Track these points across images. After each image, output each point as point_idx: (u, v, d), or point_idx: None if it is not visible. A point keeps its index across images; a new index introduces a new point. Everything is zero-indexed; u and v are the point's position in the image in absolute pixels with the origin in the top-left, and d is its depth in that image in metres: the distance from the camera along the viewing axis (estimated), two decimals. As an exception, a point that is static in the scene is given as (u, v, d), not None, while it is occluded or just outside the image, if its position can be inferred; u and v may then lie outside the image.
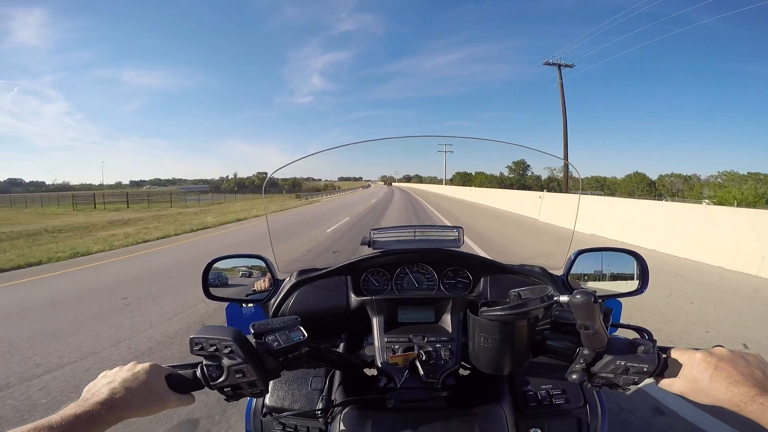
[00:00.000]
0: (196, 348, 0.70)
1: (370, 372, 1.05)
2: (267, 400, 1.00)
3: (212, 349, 0.69)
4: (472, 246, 8.40)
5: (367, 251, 1.22)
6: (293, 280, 1.16)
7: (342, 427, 0.85)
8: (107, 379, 0.66)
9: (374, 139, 1.31)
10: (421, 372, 0.90)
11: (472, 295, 1.14)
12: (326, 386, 1.01)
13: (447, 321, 1.07)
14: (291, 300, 1.13)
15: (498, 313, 0.68)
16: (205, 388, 0.72)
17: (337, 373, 1.03)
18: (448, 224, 1.32)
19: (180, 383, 0.71)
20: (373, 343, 1.03)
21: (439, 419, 0.86)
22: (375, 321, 1.07)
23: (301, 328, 0.79)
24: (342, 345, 1.15)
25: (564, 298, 0.64)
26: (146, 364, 0.69)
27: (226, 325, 1.22)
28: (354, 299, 1.12)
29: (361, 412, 0.87)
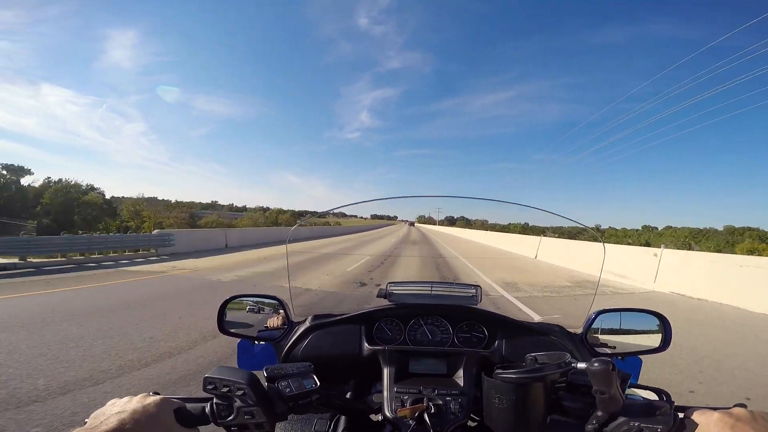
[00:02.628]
0: (209, 387, 0.72)
1: (376, 418, 1.04)
2: None
3: (225, 389, 0.71)
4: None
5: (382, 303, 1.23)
6: (308, 324, 1.18)
7: None
8: (117, 408, 0.66)
9: (380, 198, 1.32)
10: (429, 425, 0.88)
11: (487, 351, 1.12)
12: (330, 430, 1.02)
13: (459, 375, 1.05)
14: (304, 343, 1.14)
15: (513, 376, 0.68)
16: (212, 424, 0.73)
17: (342, 417, 1.03)
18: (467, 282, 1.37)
19: (188, 418, 0.71)
20: (381, 392, 1.02)
21: None
22: (386, 371, 1.06)
23: (314, 376, 0.80)
24: (351, 390, 1.15)
25: (582, 366, 0.64)
26: (157, 398, 0.69)
27: (236, 359, 1.25)
28: (366, 347, 1.12)
29: None
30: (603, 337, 1.14)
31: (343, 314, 1.20)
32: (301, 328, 1.17)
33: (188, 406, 0.73)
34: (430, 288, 1.25)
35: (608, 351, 1.11)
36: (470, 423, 1.00)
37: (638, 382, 1.18)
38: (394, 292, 1.22)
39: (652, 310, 1.12)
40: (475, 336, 1.18)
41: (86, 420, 0.66)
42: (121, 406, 0.67)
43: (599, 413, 0.67)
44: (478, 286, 1.25)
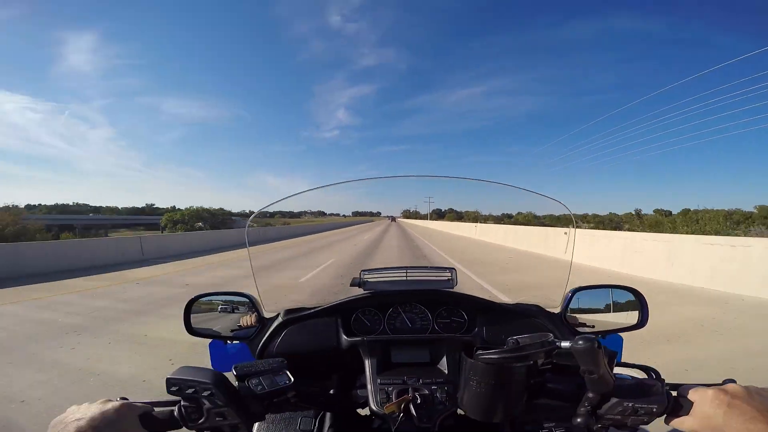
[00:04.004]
0: (173, 389, 0.69)
1: (364, 412, 1.02)
2: None
3: (190, 391, 0.68)
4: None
5: (356, 292, 1.20)
6: (280, 319, 1.14)
7: None
8: (75, 416, 0.63)
9: (364, 178, 1.28)
10: (415, 416, 0.87)
11: (468, 335, 1.11)
12: (316, 428, 1.00)
13: (443, 362, 1.04)
14: (278, 340, 1.11)
15: (495, 356, 0.65)
16: (183, 429, 0.70)
17: (328, 414, 1.00)
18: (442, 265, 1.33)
19: (154, 422, 0.68)
20: (366, 385, 1.00)
21: None
22: (368, 362, 1.05)
23: (287, 372, 0.78)
24: (335, 385, 1.11)
25: (566, 344, 0.62)
26: (117, 402, 0.66)
27: (210, 361, 1.19)
28: (345, 339, 1.09)
29: None
30: (582, 317, 1.13)
31: (316, 307, 1.17)
32: (274, 324, 1.13)
33: (156, 410, 0.70)
34: (405, 273, 1.22)
35: (588, 330, 1.10)
36: (460, 411, 0.98)
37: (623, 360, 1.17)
38: (368, 280, 1.19)
39: (627, 286, 1.11)
40: (455, 321, 1.16)
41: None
42: (80, 413, 0.64)
43: (590, 395, 0.65)
44: (453, 269, 1.22)
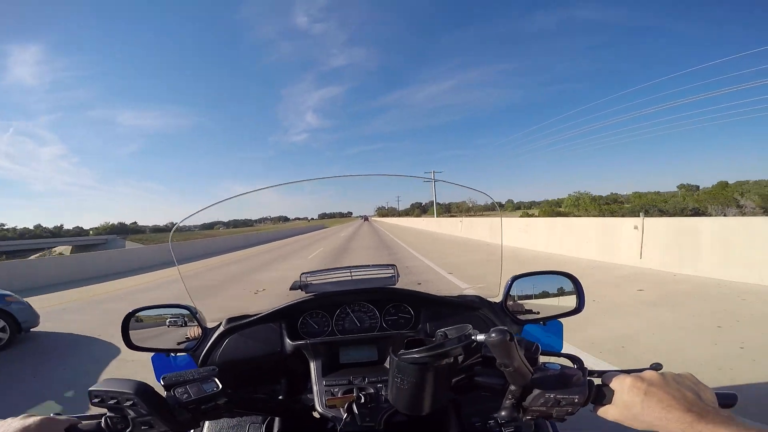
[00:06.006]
0: (96, 401, 0.68)
1: (317, 415, 1.02)
2: None
3: (112, 402, 0.68)
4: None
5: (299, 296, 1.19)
6: (221, 329, 1.13)
7: None
8: None
9: (290, 182, 1.20)
10: (357, 415, 0.87)
11: (413, 331, 1.11)
12: None
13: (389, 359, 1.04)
14: (220, 349, 1.09)
15: (415, 356, 0.65)
16: None
17: (277, 420, 1.00)
18: (382, 263, 1.34)
19: None
20: (311, 387, 1.00)
21: None
22: (313, 365, 1.05)
23: (216, 380, 0.77)
24: (283, 389, 1.11)
25: (480, 337, 0.62)
26: (38, 418, 0.64)
27: (154, 375, 1.16)
28: (289, 344, 1.09)
29: None
30: (529, 303, 1.14)
31: (258, 314, 1.15)
32: (215, 334, 1.12)
33: (82, 423, 0.69)
34: (348, 273, 1.23)
35: (531, 317, 1.12)
36: None
37: (563, 343, 1.20)
38: (312, 282, 1.19)
39: (563, 272, 1.13)
40: (402, 317, 1.17)
41: None
42: (3, 428, 0.62)
43: (512, 387, 0.65)
44: (394, 265, 1.23)
